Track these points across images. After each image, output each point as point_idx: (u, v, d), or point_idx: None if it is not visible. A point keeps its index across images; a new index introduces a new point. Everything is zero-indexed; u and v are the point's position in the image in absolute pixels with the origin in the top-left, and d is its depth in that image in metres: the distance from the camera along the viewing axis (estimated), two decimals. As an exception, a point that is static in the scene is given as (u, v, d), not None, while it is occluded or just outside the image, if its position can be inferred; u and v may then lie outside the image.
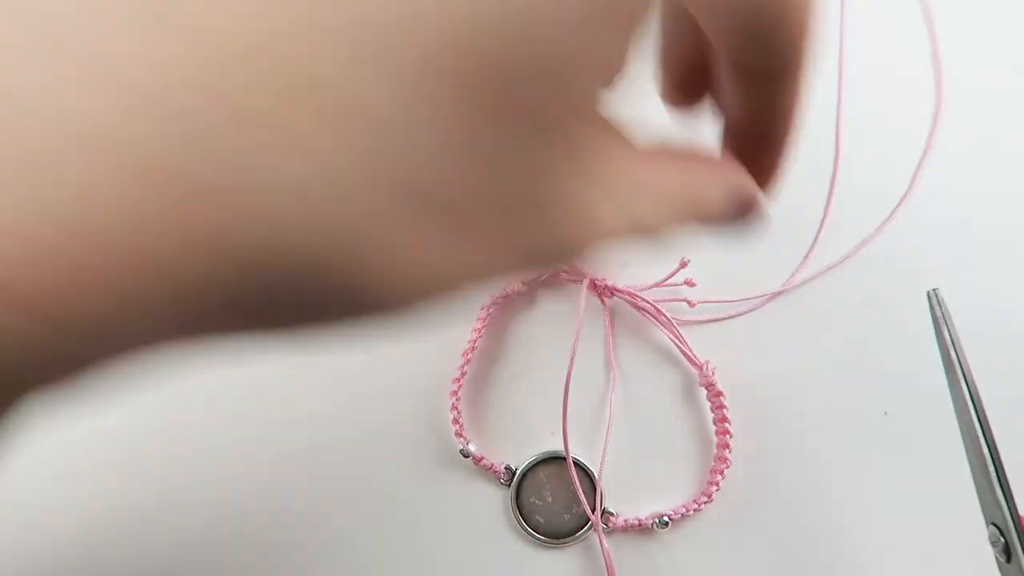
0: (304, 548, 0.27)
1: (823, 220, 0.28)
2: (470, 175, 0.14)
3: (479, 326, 0.27)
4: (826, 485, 0.26)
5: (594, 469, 0.27)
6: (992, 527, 0.20)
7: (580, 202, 0.16)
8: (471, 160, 0.13)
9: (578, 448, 0.27)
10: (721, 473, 0.26)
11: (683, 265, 0.26)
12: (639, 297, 0.27)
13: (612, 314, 0.27)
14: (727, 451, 0.26)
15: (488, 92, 0.13)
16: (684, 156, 0.18)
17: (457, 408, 0.27)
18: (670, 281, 0.26)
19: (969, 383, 0.20)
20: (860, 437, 0.26)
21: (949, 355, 0.20)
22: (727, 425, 0.26)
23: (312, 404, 0.27)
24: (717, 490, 0.26)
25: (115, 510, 0.26)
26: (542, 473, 0.28)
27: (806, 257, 0.27)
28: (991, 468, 0.19)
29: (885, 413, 0.27)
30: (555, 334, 0.27)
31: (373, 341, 0.26)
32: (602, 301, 0.27)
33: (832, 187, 0.28)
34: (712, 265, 0.27)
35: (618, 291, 0.27)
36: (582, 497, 0.26)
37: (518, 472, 0.27)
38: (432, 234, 0.14)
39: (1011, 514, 0.19)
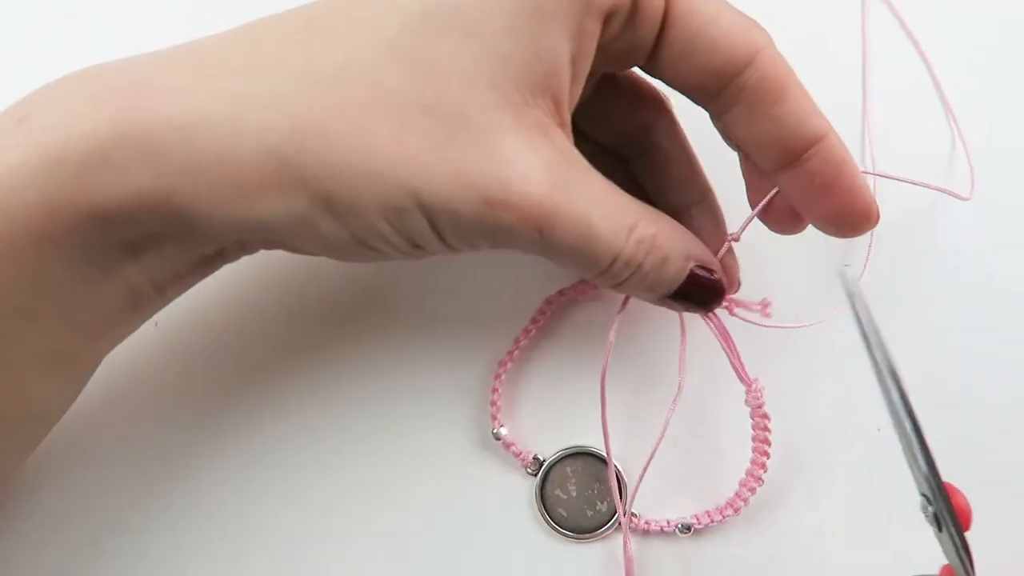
0: (326, 510, 0.27)
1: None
2: None
3: (539, 317, 0.27)
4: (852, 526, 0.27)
5: (622, 468, 0.27)
6: (922, 497, 0.21)
7: None
8: None
9: (613, 446, 0.27)
10: (752, 490, 0.26)
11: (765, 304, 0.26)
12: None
13: (684, 321, 0.26)
14: (762, 470, 0.26)
15: None
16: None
17: (498, 391, 0.27)
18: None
19: (887, 356, 0.20)
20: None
21: (864, 331, 0.21)
22: (766, 447, 0.25)
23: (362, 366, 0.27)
24: (745, 505, 0.26)
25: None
26: (569, 467, 0.27)
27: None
28: (913, 438, 0.20)
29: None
30: (623, 346, 0.27)
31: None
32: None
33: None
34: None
35: None
36: (616, 495, 0.26)
37: (546, 463, 0.27)
38: None
39: (935, 483, 0.20)
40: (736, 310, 0.25)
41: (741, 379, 0.25)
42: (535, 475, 0.27)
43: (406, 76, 0.19)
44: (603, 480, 0.27)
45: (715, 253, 0.24)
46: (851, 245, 0.28)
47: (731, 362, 0.25)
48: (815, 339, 0.27)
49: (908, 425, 0.20)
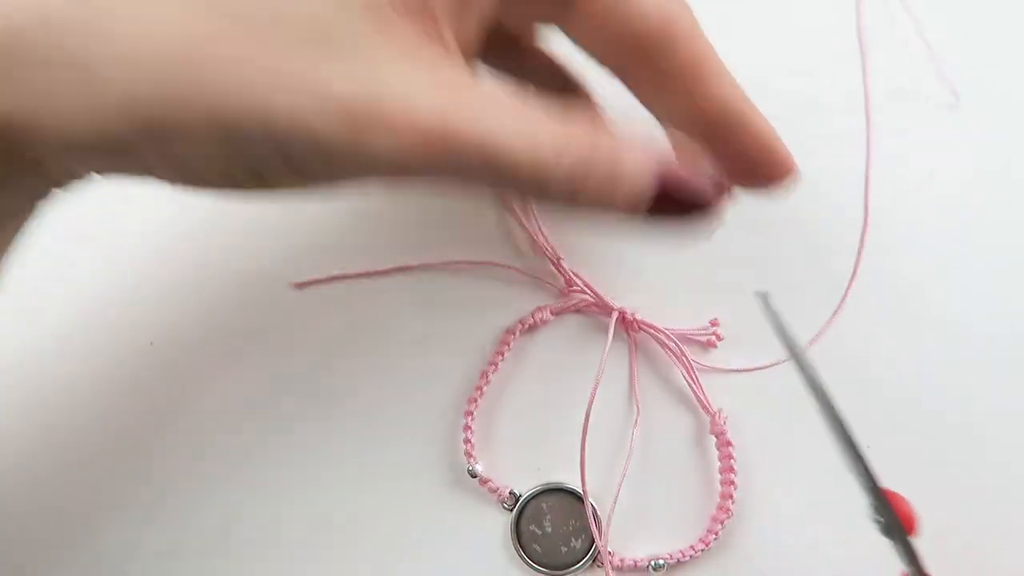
0: (302, 546, 0.27)
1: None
2: None
3: (503, 349, 0.28)
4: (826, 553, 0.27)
5: (595, 503, 0.27)
6: (870, 509, 0.21)
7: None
8: None
9: (592, 484, 0.27)
10: (721, 523, 0.26)
11: (714, 324, 0.27)
12: (665, 333, 0.27)
13: (637, 349, 0.27)
14: (730, 501, 0.26)
15: None
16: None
17: (470, 428, 0.28)
18: (695, 335, 0.27)
19: (815, 378, 0.21)
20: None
21: (789, 348, 0.22)
22: (732, 476, 0.26)
23: (334, 402, 0.28)
24: (716, 539, 0.26)
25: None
26: (544, 503, 0.28)
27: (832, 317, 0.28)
28: (851, 453, 0.21)
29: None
30: (577, 364, 0.28)
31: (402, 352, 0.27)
32: (628, 335, 0.28)
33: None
34: (736, 320, 0.27)
35: (645, 326, 0.27)
36: (595, 531, 0.26)
37: (521, 499, 0.28)
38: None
39: (877, 493, 0.21)
40: (685, 348, 0.26)
41: (704, 408, 0.26)
42: (511, 510, 0.28)
43: None
44: (578, 516, 0.28)
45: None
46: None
47: (692, 392, 0.26)
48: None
49: (843, 441, 0.21)
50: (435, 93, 0.16)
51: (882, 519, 0.21)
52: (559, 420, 0.27)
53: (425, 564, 0.27)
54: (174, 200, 0.28)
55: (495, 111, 0.17)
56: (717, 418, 0.26)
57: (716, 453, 0.26)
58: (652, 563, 0.27)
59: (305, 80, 0.16)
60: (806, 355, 0.21)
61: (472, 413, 0.28)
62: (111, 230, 0.29)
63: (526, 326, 0.28)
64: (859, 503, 0.21)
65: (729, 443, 0.26)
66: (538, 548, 0.27)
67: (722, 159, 0.20)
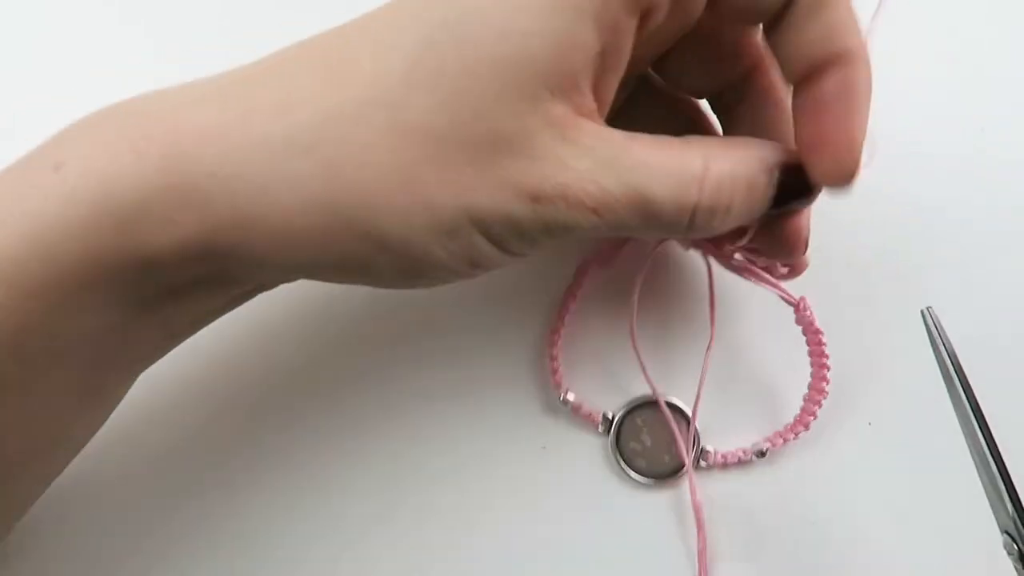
0: (408, 491, 0.28)
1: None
2: None
3: (579, 280, 0.28)
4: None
5: (688, 409, 0.28)
6: (1005, 535, 0.21)
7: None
8: None
9: (676, 392, 0.28)
10: (818, 404, 0.27)
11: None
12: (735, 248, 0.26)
13: (710, 264, 0.27)
14: (824, 383, 0.27)
15: None
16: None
17: (556, 359, 0.28)
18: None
19: (969, 396, 0.21)
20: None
21: (948, 371, 0.21)
22: (825, 360, 0.26)
23: (419, 350, 0.28)
24: (814, 419, 0.27)
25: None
26: (639, 419, 0.28)
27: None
28: (1000, 481, 0.20)
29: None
30: (652, 290, 0.28)
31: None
32: (704, 256, 0.27)
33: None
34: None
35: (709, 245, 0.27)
36: (679, 439, 0.27)
37: (615, 420, 0.28)
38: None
39: (1022, 521, 0.20)
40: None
41: (787, 300, 0.26)
42: (607, 433, 0.28)
43: (433, 96, 0.19)
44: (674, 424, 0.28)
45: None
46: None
47: (769, 288, 0.25)
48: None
49: (995, 468, 0.20)
50: (593, 168, 0.19)
51: (1020, 547, 0.21)
52: (644, 342, 0.27)
53: (533, 496, 0.28)
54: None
55: (641, 162, 0.20)
56: (801, 307, 0.26)
57: (805, 340, 0.27)
58: (755, 452, 0.27)
59: (495, 176, 0.19)
60: (966, 379, 0.20)
61: (556, 344, 0.28)
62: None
63: (603, 258, 0.28)
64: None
65: (818, 331, 0.26)
66: (643, 463, 0.28)
67: (805, 111, 0.21)
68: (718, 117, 0.26)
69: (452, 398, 0.28)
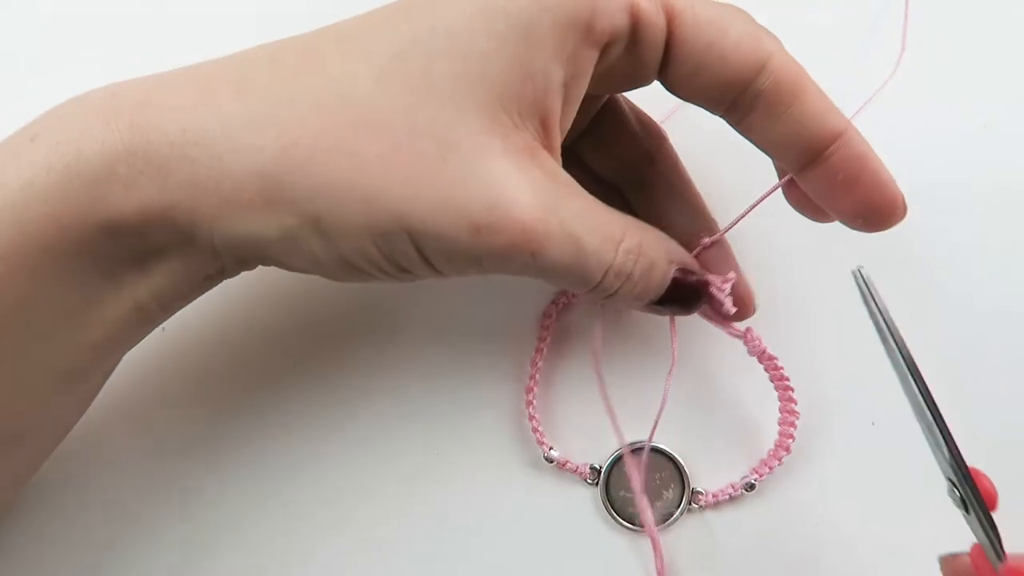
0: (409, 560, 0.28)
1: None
2: None
3: (544, 334, 0.29)
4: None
5: (676, 453, 0.28)
6: (948, 482, 0.22)
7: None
8: None
9: (661, 436, 0.28)
10: (793, 425, 0.27)
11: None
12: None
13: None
14: (793, 404, 0.27)
15: None
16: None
17: (535, 417, 0.29)
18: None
19: (903, 350, 0.21)
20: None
21: (881, 327, 0.22)
22: (787, 382, 0.27)
23: (398, 427, 0.29)
24: (793, 441, 0.27)
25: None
26: (625, 467, 0.29)
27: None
28: (936, 429, 0.21)
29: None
30: (617, 334, 0.29)
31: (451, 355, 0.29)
32: None
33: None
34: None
35: None
36: (636, 485, 0.26)
37: (603, 470, 0.29)
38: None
39: (958, 465, 0.21)
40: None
41: (732, 335, 0.26)
42: (595, 484, 0.29)
43: (396, 99, 0.19)
44: (661, 469, 0.29)
45: (721, 279, 0.24)
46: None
47: (715, 325, 0.26)
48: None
49: (930, 416, 0.21)
50: (535, 199, 0.20)
51: (960, 493, 0.21)
52: (618, 388, 0.28)
53: (527, 549, 0.28)
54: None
55: (578, 212, 0.21)
56: (749, 338, 0.26)
57: (763, 368, 0.27)
58: (744, 486, 0.28)
59: (441, 191, 0.19)
60: (899, 335, 0.21)
61: (532, 402, 0.29)
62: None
63: (560, 306, 0.29)
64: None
65: (772, 357, 0.27)
66: (633, 510, 0.28)
67: (828, 190, 0.22)
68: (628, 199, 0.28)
69: (435, 458, 0.29)
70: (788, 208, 0.25)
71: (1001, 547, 0.21)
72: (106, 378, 0.24)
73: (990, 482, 0.22)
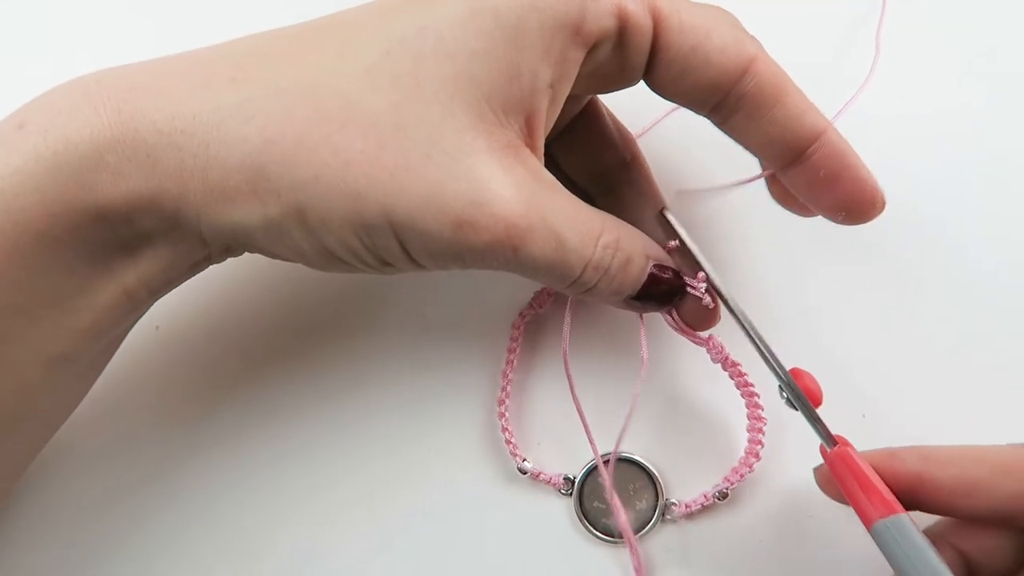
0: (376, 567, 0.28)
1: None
2: None
3: (513, 345, 0.29)
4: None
5: (649, 464, 0.29)
6: (779, 388, 0.24)
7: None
8: None
9: (632, 440, 0.29)
10: (761, 431, 0.27)
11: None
12: None
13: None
14: (760, 410, 0.27)
15: None
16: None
17: (507, 428, 0.29)
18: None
19: (712, 282, 0.24)
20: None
21: (695, 257, 0.25)
22: (752, 388, 0.27)
23: (368, 439, 0.30)
24: (762, 448, 0.27)
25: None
26: (599, 478, 0.29)
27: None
28: (755, 337, 0.24)
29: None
30: (587, 341, 0.30)
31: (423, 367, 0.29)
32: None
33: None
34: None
35: None
36: (616, 504, 0.26)
37: (576, 481, 0.29)
38: None
39: (780, 369, 0.24)
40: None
41: (695, 343, 0.27)
42: (569, 495, 0.29)
43: (384, 96, 0.19)
44: (635, 479, 0.29)
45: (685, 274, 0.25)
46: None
47: (679, 332, 0.27)
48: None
49: (749, 330, 0.24)
50: (518, 196, 0.20)
51: (787, 394, 0.24)
52: (592, 397, 0.29)
53: (502, 562, 0.28)
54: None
55: (560, 208, 0.21)
56: (711, 345, 0.27)
57: (728, 375, 0.27)
58: (716, 494, 0.27)
59: (425, 187, 0.19)
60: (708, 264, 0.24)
61: (504, 414, 0.29)
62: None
63: (526, 317, 0.30)
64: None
65: (735, 363, 0.27)
66: (607, 521, 0.28)
67: (810, 187, 0.23)
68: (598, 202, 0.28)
69: (407, 471, 0.29)
70: (755, 208, 0.26)
71: (831, 436, 0.23)
72: (98, 370, 0.24)
73: (813, 380, 0.24)
